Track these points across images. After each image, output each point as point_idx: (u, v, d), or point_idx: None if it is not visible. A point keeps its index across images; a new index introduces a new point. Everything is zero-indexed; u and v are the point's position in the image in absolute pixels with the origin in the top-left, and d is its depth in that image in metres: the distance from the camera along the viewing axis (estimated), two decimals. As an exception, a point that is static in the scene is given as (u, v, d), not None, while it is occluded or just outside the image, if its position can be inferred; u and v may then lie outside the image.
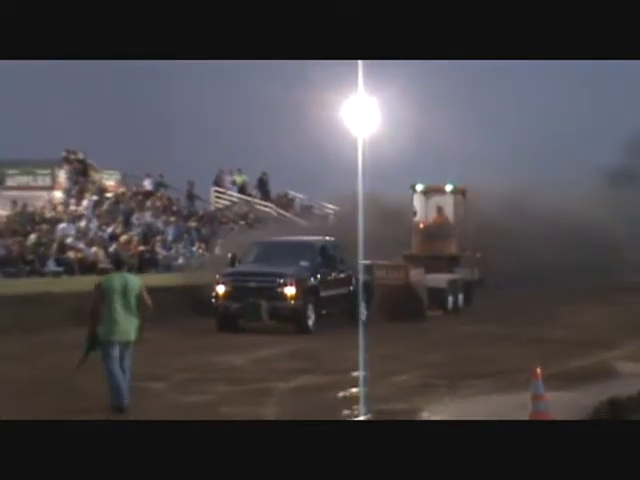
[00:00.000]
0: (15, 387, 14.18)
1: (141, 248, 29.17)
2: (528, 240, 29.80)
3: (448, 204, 27.91)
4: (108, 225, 30.40)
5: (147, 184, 36.15)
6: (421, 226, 27.86)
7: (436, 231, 27.61)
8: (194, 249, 31.55)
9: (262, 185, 39.05)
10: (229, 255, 23.31)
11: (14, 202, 29.91)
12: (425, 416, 12.32)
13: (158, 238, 30.93)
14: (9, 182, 32.92)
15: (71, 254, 26.44)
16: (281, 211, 37.46)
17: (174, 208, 35.04)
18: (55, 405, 12.54)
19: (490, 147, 39.07)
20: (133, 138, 45.22)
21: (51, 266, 25.72)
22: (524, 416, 10.25)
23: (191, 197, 36.96)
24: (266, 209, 37.27)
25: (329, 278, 22.94)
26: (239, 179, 38.61)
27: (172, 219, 33.28)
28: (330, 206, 37.93)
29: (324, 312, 22.43)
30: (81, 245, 27.42)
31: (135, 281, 12.58)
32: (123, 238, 29.48)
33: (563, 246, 30.70)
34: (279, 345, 19.50)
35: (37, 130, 41.92)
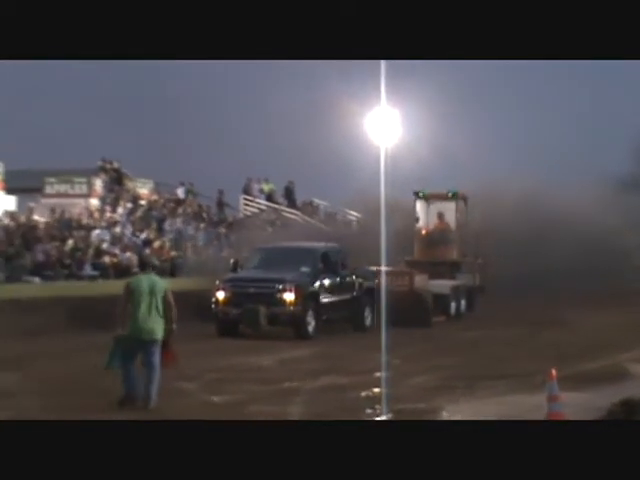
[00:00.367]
0: (50, 385, 14.24)
1: (173, 253, 29.24)
2: (533, 246, 29.37)
3: (449, 210, 27.40)
4: (142, 231, 30.48)
5: (180, 192, 36.25)
6: (423, 232, 27.40)
7: (437, 237, 27.14)
8: (223, 254, 31.55)
9: (288, 193, 39.06)
10: (231, 261, 22.71)
11: (53, 209, 30.00)
12: (444, 416, 12.23)
13: (189, 244, 30.99)
14: (48, 190, 33.06)
15: (106, 259, 26.49)
16: (307, 218, 37.43)
17: (204, 215, 35.12)
18: (87, 403, 12.53)
19: (501, 153, 38.94)
20: (166, 149, 45.46)
21: (88, 270, 25.80)
22: (540, 416, 10.17)
23: (221, 205, 37.01)
24: (292, 216, 37.25)
25: (330, 284, 22.15)
26: (266, 187, 38.63)
27: (202, 225, 33.33)
28: (353, 213, 37.90)
29: (325, 318, 21.65)
30: (116, 250, 27.46)
31: (161, 283, 12.65)
32: (156, 243, 29.56)
33: (569, 251, 30.18)
34: (300, 348, 19.24)
35: (75, 141, 42.19)
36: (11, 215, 28.32)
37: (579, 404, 11.68)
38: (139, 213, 32.29)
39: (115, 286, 22.21)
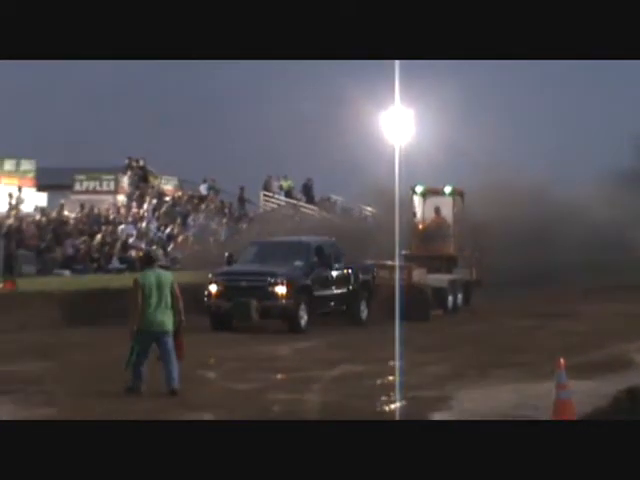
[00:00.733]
0: (80, 372, 14.31)
1: (196, 247, 29.27)
2: (536, 240, 29.00)
3: (446, 205, 26.78)
4: (166, 226, 30.56)
5: (203, 189, 36.30)
6: (420, 227, 26.87)
7: (434, 231, 26.54)
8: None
9: (307, 190, 39.05)
10: (226, 254, 21.87)
11: (82, 205, 30.11)
12: (454, 404, 12.19)
13: (212, 238, 31.02)
14: (77, 187, 33.22)
15: (133, 253, 26.57)
16: (324, 213, 37.39)
17: (226, 211, 35.15)
18: (114, 389, 12.56)
19: (513, 151, 38.70)
20: (189, 147, 45.55)
21: (115, 264, 25.90)
22: (549, 403, 10.13)
23: (242, 201, 37.04)
24: (310, 212, 37.22)
25: (324, 277, 21.37)
26: (286, 184, 38.64)
27: (224, 221, 33.35)
28: (368, 208, 37.83)
29: (318, 312, 20.91)
30: (142, 244, 27.52)
31: (167, 276, 12.67)
32: (180, 238, 29.63)
33: (575, 245, 29.86)
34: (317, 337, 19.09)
35: (103, 140, 42.33)
36: (42, 211, 28.46)
37: (584, 391, 11.62)
38: (164, 209, 32.37)
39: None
